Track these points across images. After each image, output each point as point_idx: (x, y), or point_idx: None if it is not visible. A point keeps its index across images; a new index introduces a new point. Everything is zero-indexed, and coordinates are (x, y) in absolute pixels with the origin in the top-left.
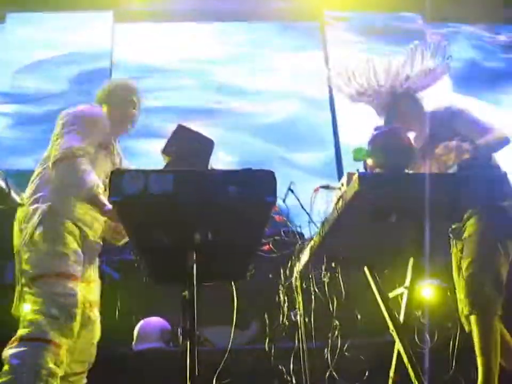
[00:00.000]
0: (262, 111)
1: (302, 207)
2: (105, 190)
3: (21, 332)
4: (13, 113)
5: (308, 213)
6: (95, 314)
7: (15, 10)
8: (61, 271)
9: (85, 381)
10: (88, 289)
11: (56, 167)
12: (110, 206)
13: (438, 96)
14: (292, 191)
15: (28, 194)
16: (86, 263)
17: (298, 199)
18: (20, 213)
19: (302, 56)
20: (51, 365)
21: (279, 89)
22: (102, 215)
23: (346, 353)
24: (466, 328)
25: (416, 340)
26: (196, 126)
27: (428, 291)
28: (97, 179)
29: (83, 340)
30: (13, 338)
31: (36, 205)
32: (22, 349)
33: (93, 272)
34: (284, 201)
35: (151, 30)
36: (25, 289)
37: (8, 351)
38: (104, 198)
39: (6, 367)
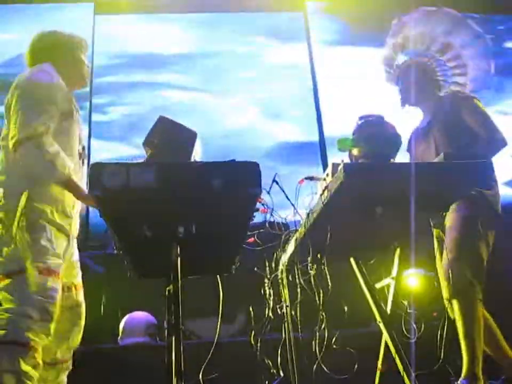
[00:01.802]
0: (245, 101)
1: (288, 198)
2: (80, 157)
3: None
4: None
5: (293, 204)
6: (82, 297)
7: None
8: (41, 268)
9: (70, 367)
10: (74, 272)
11: (19, 150)
12: (85, 190)
13: None
14: (277, 183)
15: None
16: (71, 245)
17: (283, 191)
18: None
19: (285, 47)
20: (27, 368)
21: (262, 79)
22: (79, 200)
23: (334, 346)
24: (452, 316)
25: (403, 330)
26: (178, 118)
27: (414, 280)
28: (67, 160)
29: (71, 324)
30: None
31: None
32: None
33: (76, 254)
34: (268, 193)
35: (132, 21)
36: None
37: None
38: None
39: None
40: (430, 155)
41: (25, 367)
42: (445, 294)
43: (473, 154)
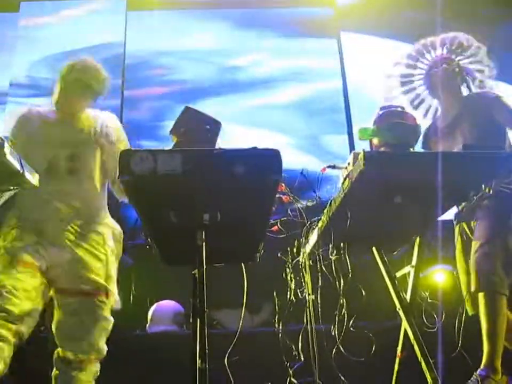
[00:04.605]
0: (274, 96)
1: (315, 192)
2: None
3: None
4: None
5: (320, 198)
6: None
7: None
8: None
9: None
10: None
11: None
12: None
13: None
14: (304, 176)
15: None
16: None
17: (312, 185)
18: None
19: (315, 42)
20: None
21: (292, 74)
22: None
23: (351, 329)
24: (469, 311)
25: (424, 320)
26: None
27: (440, 276)
28: None
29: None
30: None
31: None
32: None
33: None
34: (295, 185)
35: (164, 17)
36: None
37: None
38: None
39: None
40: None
41: None
42: (472, 286)
43: (495, 146)
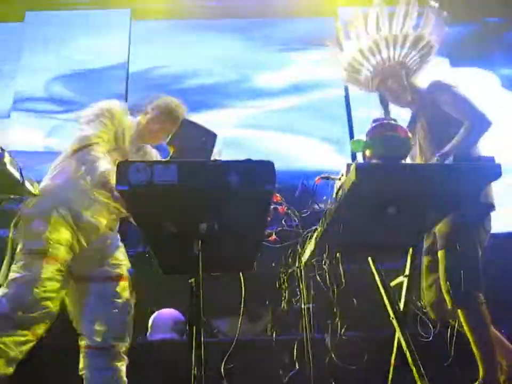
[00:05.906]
0: (275, 104)
1: (316, 202)
2: None
3: None
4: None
5: (319, 206)
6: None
7: (34, 9)
8: (34, 248)
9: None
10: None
11: (75, 155)
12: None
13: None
14: (305, 185)
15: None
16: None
17: (311, 193)
18: None
19: (316, 50)
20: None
21: (293, 84)
22: (113, 200)
23: (344, 337)
24: (452, 322)
25: (419, 330)
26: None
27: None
28: (108, 165)
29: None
30: None
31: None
32: None
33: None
34: (296, 195)
35: (168, 27)
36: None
37: None
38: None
39: None
40: (413, 153)
41: None
42: (448, 303)
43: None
